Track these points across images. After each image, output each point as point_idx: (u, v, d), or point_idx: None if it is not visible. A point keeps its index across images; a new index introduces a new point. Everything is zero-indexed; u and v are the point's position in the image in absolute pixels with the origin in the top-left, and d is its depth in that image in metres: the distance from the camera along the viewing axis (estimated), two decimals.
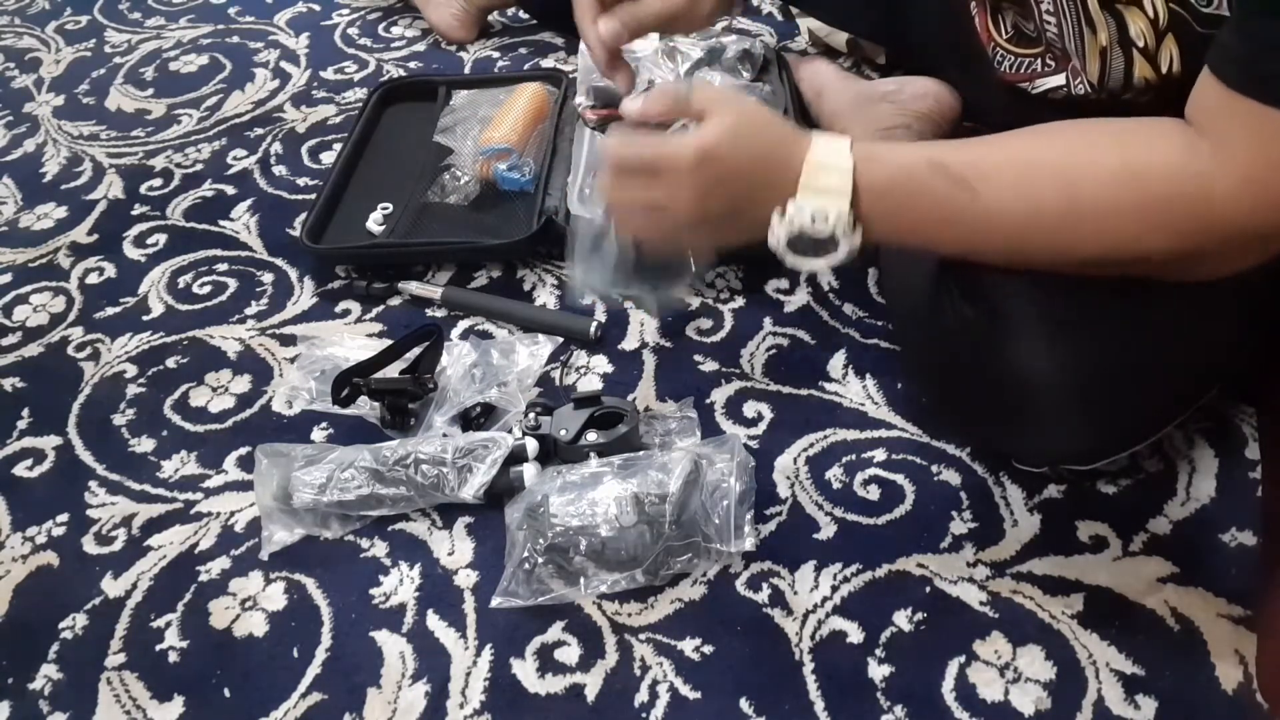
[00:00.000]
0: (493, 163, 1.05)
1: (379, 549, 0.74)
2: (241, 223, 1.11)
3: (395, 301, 0.97)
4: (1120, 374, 0.64)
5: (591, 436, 0.76)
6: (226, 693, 0.67)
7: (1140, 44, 0.65)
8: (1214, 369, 0.68)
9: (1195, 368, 0.67)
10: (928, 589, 0.69)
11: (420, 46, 1.43)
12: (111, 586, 0.74)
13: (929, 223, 0.62)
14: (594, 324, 0.90)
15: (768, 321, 0.92)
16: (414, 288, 0.97)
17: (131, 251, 1.08)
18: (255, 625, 0.70)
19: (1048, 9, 0.71)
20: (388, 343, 0.85)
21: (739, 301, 0.94)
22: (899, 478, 0.77)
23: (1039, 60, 0.75)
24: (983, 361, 0.68)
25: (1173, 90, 0.59)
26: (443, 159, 1.10)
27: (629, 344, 0.90)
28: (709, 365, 0.87)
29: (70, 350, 0.96)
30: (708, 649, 0.67)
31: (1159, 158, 0.56)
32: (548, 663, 0.67)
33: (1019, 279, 0.65)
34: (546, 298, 0.96)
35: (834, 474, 0.77)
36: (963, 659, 0.65)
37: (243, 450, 0.83)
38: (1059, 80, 0.73)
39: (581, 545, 0.69)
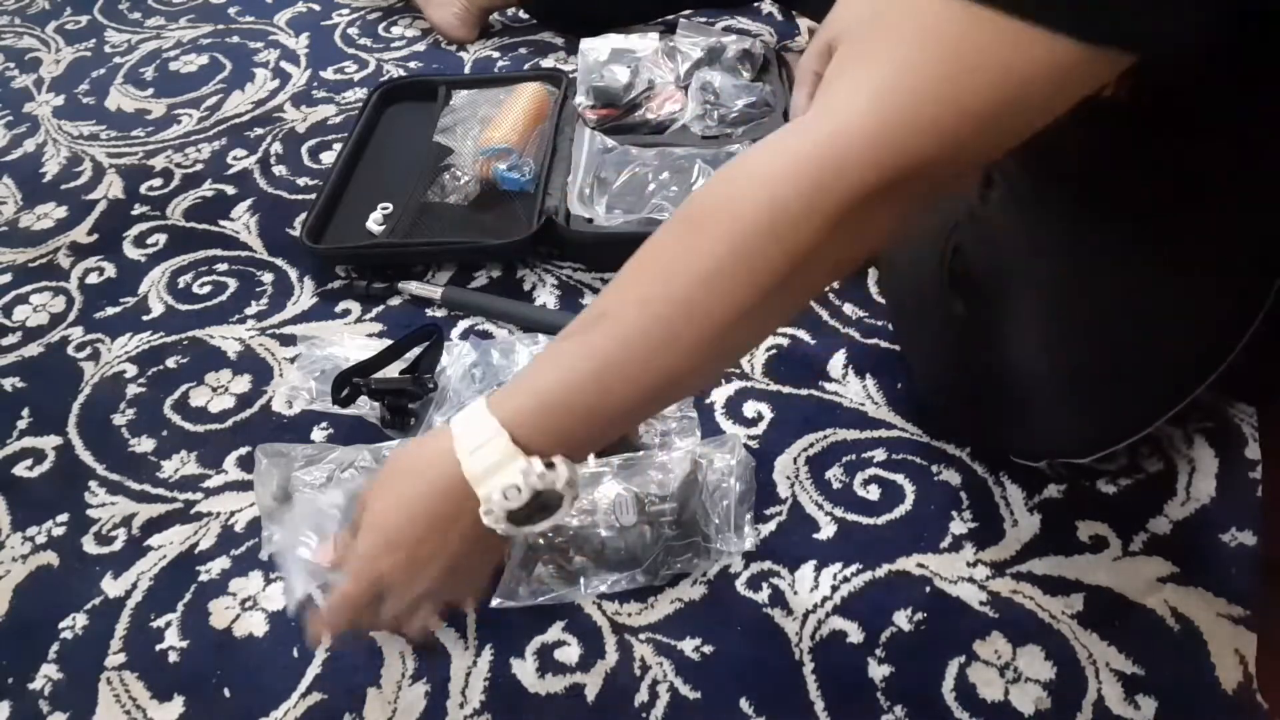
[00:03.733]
0: (493, 163, 1.05)
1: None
2: (241, 223, 1.11)
3: (395, 301, 0.97)
4: (1111, 365, 0.64)
5: None
6: (226, 693, 0.67)
7: None
8: (1205, 359, 0.68)
9: (1185, 358, 0.67)
10: (928, 589, 0.69)
11: (420, 46, 1.43)
12: (111, 586, 0.74)
13: (601, 382, 0.52)
14: None
15: None
16: (414, 288, 0.97)
17: (131, 251, 1.08)
18: (255, 625, 0.70)
19: None
20: (388, 343, 0.85)
21: None
22: (899, 478, 0.77)
23: None
24: (978, 355, 0.68)
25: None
26: (443, 159, 1.10)
27: None
28: None
29: (70, 350, 0.96)
30: (708, 649, 0.67)
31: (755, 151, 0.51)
32: (548, 663, 0.67)
33: (1012, 274, 0.65)
34: (546, 298, 0.96)
35: (834, 474, 0.77)
36: (963, 659, 0.65)
37: (243, 450, 0.83)
38: None
39: (582, 545, 0.69)
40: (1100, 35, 0.42)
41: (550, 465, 0.52)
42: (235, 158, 1.22)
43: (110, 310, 1.00)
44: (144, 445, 0.85)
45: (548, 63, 1.34)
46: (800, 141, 0.48)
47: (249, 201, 1.14)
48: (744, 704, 0.64)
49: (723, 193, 0.52)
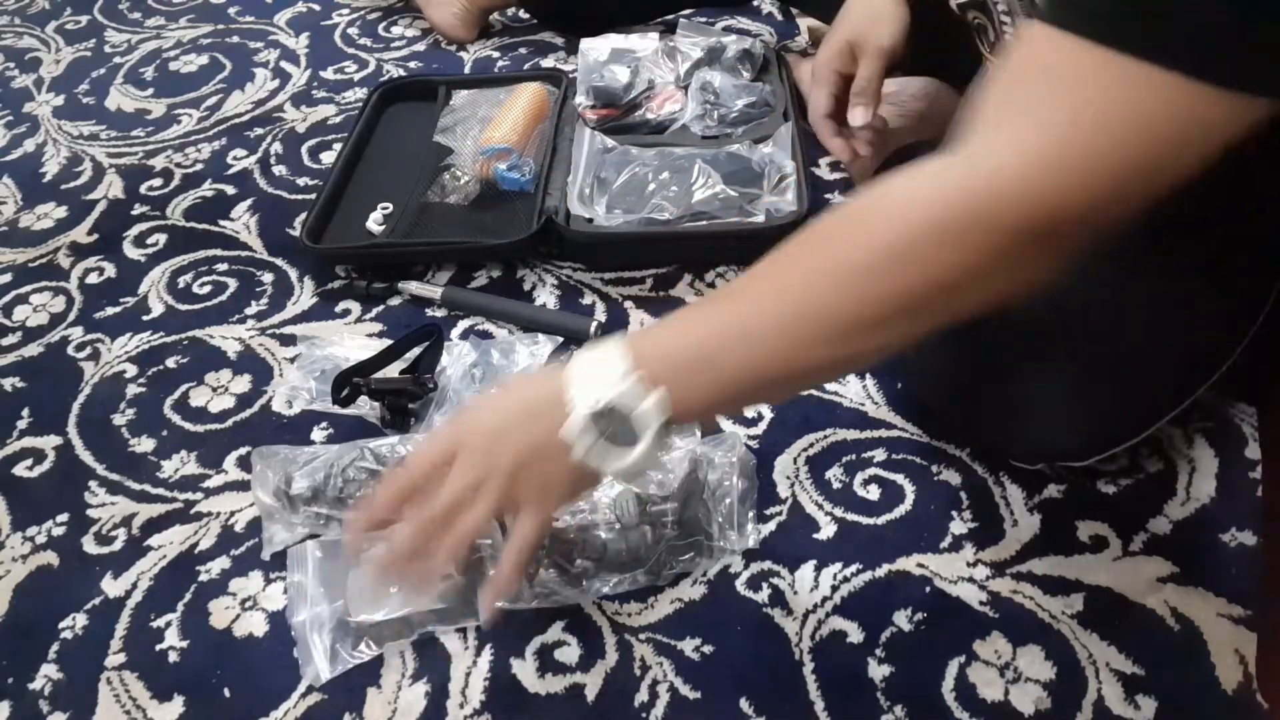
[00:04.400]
0: (493, 163, 1.05)
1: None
2: (241, 223, 1.11)
3: (395, 301, 0.97)
4: (1113, 365, 0.64)
5: None
6: (226, 693, 0.67)
7: None
8: (1202, 362, 0.68)
9: (1186, 359, 0.67)
10: (928, 589, 0.69)
11: (420, 46, 1.43)
12: (111, 586, 0.74)
13: (707, 341, 0.55)
14: (594, 324, 0.90)
15: None
16: (414, 288, 0.97)
17: (131, 251, 1.08)
18: (255, 625, 0.70)
19: (1003, 9, 0.72)
20: (388, 343, 0.85)
21: None
22: (899, 478, 0.77)
23: None
24: (978, 357, 0.68)
25: None
26: (443, 159, 1.10)
27: None
28: None
29: (70, 350, 0.96)
30: (708, 649, 0.67)
31: (908, 180, 0.52)
32: (548, 663, 0.67)
33: None
34: (546, 298, 0.96)
35: (834, 474, 0.77)
36: (963, 659, 0.65)
37: (243, 450, 0.83)
38: None
39: (584, 547, 0.69)
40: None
41: (644, 388, 0.54)
42: (235, 158, 1.22)
43: (110, 310, 1.00)
44: (144, 445, 0.85)
45: (548, 63, 1.34)
46: (951, 177, 0.49)
47: (249, 201, 1.14)
48: (744, 704, 0.64)
49: (868, 207, 0.53)
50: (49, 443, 0.86)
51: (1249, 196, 0.61)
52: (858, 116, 0.89)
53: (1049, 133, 0.46)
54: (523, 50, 1.39)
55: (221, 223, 1.11)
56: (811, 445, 0.80)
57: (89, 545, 0.77)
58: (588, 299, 0.96)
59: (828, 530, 0.74)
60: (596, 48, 1.20)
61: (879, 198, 0.53)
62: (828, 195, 1.06)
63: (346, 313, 0.97)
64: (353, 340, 0.92)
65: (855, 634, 0.67)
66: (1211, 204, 0.61)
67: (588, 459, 0.56)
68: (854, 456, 0.79)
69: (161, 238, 1.09)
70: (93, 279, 1.05)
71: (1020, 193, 0.47)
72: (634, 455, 0.55)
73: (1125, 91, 0.44)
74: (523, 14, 1.45)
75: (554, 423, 0.56)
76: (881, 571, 0.71)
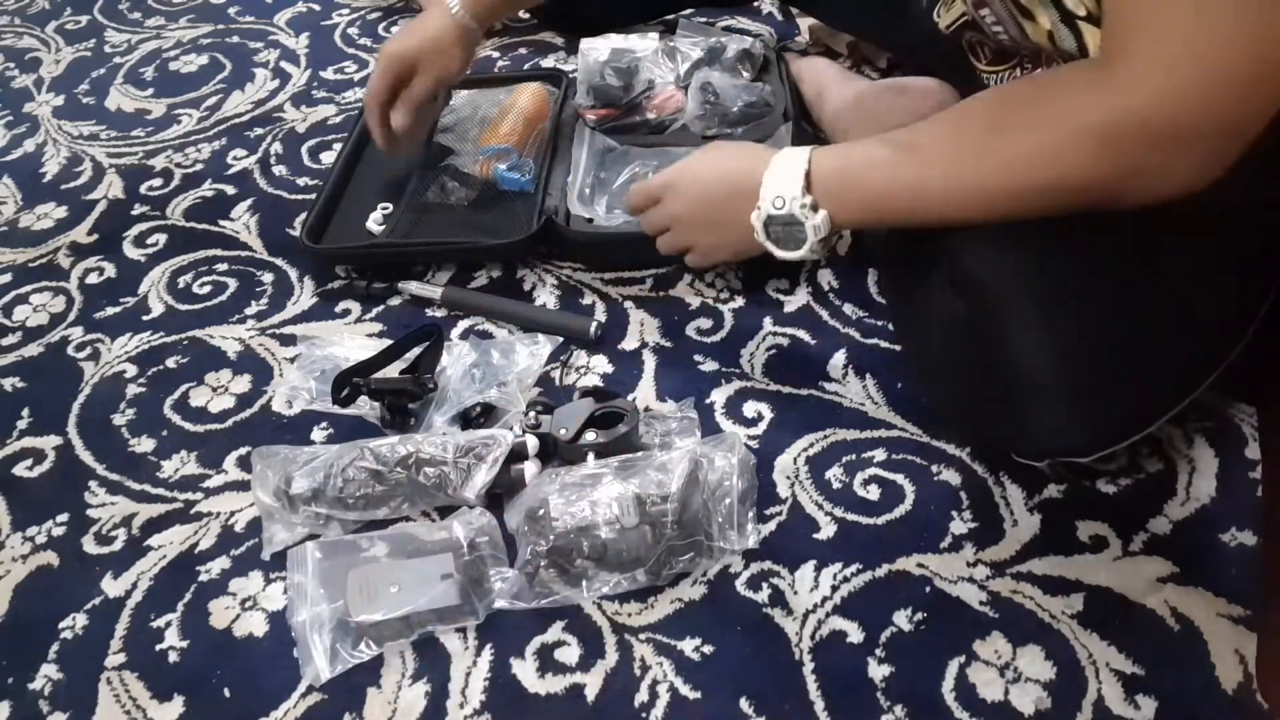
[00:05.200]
0: (493, 163, 1.05)
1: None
2: (241, 223, 1.11)
3: (395, 301, 0.97)
4: (1115, 362, 0.64)
5: (591, 436, 0.76)
6: (226, 693, 0.67)
7: (1081, 13, 0.66)
8: (1205, 359, 0.68)
9: (1186, 358, 0.67)
10: (928, 589, 0.69)
11: None
12: (111, 586, 0.74)
13: (881, 186, 0.69)
14: (594, 324, 0.90)
15: (768, 321, 0.92)
16: (414, 288, 0.97)
17: (131, 251, 1.08)
18: (255, 625, 0.70)
19: (992, 20, 0.73)
20: (388, 343, 0.85)
21: (739, 301, 0.94)
22: (899, 478, 0.77)
23: (1019, 68, 0.77)
24: (980, 354, 0.68)
25: None
26: (443, 159, 1.10)
27: (629, 344, 0.90)
28: (709, 365, 0.87)
29: (70, 350, 0.96)
30: (708, 649, 0.67)
31: (1066, 84, 0.61)
32: (548, 663, 0.67)
33: (1015, 270, 0.65)
34: (546, 298, 0.96)
35: (834, 474, 0.77)
36: (963, 659, 0.65)
37: (243, 450, 0.83)
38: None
39: (584, 547, 0.69)
40: None
41: (815, 208, 0.70)
42: (235, 158, 1.22)
43: (110, 310, 1.00)
44: (144, 445, 0.85)
45: (548, 63, 1.34)
46: (1109, 92, 0.57)
47: (249, 201, 1.14)
48: (744, 704, 0.64)
49: (1028, 98, 0.63)
50: (49, 443, 0.86)
51: (1248, 194, 0.61)
52: (398, 119, 1.00)
53: (1191, 57, 0.53)
54: (523, 50, 1.39)
55: (221, 223, 1.11)
56: (811, 445, 0.80)
57: (89, 545, 0.77)
58: (588, 299, 0.96)
59: (828, 530, 0.74)
60: (596, 48, 1.20)
61: (1038, 97, 0.61)
62: None
63: (346, 313, 0.97)
64: (353, 340, 0.92)
65: (855, 634, 0.67)
66: (1211, 201, 0.61)
67: (763, 243, 0.74)
68: (854, 456, 0.79)
69: (161, 238, 1.09)
70: (93, 279, 1.05)
71: (1170, 111, 0.55)
72: (792, 255, 0.74)
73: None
74: (523, 14, 1.45)
75: (744, 204, 0.73)
76: (881, 571, 0.71)
